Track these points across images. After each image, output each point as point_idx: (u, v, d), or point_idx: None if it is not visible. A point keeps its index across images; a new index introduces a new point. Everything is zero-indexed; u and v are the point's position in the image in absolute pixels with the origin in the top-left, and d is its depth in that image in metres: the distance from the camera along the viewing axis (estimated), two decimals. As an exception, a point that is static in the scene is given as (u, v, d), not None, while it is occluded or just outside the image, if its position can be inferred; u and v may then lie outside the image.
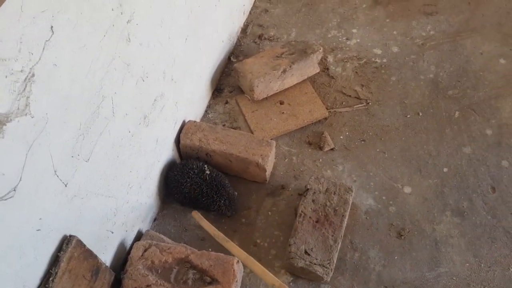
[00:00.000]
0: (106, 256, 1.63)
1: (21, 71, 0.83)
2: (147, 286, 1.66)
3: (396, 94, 2.39)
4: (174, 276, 1.69)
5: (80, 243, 1.35)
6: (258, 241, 1.97)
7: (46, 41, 0.91)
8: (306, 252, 1.78)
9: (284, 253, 1.90)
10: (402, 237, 1.93)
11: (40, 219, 1.09)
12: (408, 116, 2.29)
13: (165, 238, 1.90)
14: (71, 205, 1.26)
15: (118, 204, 1.61)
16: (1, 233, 0.89)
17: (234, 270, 1.67)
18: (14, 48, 0.79)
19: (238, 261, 1.71)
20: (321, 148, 2.24)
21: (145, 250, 1.73)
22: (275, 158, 2.21)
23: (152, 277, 1.67)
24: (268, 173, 2.07)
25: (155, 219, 2.06)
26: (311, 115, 2.30)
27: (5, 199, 0.91)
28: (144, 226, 1.93)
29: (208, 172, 1.95)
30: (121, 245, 1.74)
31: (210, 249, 1.94)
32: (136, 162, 1.67)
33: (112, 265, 1.71)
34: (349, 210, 1.90)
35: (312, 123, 2.31)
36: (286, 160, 2.22)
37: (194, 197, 1.95)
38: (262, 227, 2.01)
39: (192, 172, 1.93)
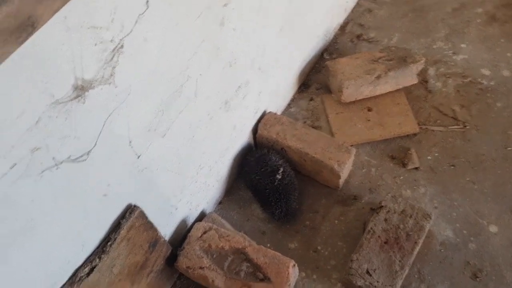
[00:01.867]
0: (166, 230, 1.67)
1: (111, 41, 0.84)
2: (200, 267, 1.67)
3: (499, 122, 2.16)
4: (227, 264, 1.69)
5: (142, 214, 1.39)
6: (319, 247, 1.91)
7: (140, 14, 0.92)
8: (368, 272, 1.69)
9: (344, 267, 1.82)
10: (478, 279, 1.75)
11: (109, 185, 1.13)
12: (509, 149, 2.07)
13: (226, 223, 1.91)
14: (140, 177, 1.29)
15: (186, 182, 1.63)
16: (70, 193, 0.93)
17: (288, 273, 1.63)
18: (107, 17, 0.81)
19: (294, 265, 1.67)
20: (404, 165, 2.10)
21: (204, 232, 1.75)
22: (352, 166, 2.11)
23: (206, 260, 1.68)
24: (342, 180, 1.98)
25: (220, 202, 2.07)
26: (399, 128, 2.16)
27: (78, 161, 0.95)
28: (208, 208, 1.95)
29: (279, 177, 1.90)
30: (183, 222, 1.77)
31: (268, 245, 1.91)
32: (210, 145, 1.68)
33: (171, 239, 1.74)
34: (423, 238, 1.76)
35: (399, 137, 2.17)
36: (363, 170, 2.11)
37: (257, 189, 1.94)
38: (326, 234, 1.94)
39: (264, 169, 1.91)
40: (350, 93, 2.17)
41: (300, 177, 2.04)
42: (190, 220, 1.81)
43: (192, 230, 1.74)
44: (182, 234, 1.75)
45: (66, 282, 1.04)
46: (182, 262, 1.67)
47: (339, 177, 1.89)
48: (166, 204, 1.56)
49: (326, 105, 2.30)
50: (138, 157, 1.21)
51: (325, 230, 1.92)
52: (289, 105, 2.36)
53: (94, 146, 0.98)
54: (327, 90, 2.33)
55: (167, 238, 1.69)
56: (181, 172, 1.55)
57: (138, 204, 1.32)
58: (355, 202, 2.00)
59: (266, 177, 1.89)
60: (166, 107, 1.13)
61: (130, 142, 1.04)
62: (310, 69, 2.24)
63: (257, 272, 1.65)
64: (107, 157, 0.98)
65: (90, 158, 0.99)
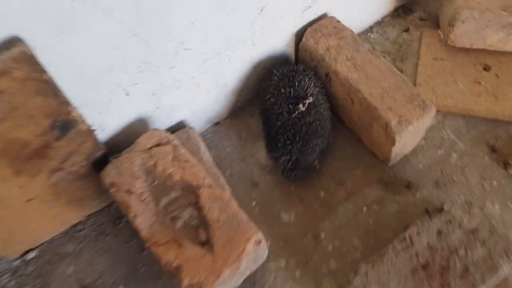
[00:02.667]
0: (103, 120, 1.17)
1: None
2: (128, 191, 1.13)
3: None
4: (167, 201, 1.12)
5: (30, 59, 0.84)
6: (323, 235, 1.27)
7: None
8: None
9: (344, 274, 1.18)
10: None
11: None
12: None
13: (203, 150, 1.32)
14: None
15: (153, 58, 1.08)
16: None
17: (243, 250, 1.02)
18: None
19: (260, 242, 1.05)
20: (506, 166, 1.35)
21: (157, 144, 1.18)
22: (424, 138, 1.39)
23: (140, 184, 1.13)
24: (397, 151, 1.29)
25: (216, 123, 1.48)
26: (522, 108, 1.38)
27: None
28: (194, 123, 1.40)
29: (302, 108, 1.29)
30: (139, 123, 1.23)
31: (253, 203, 1.31)
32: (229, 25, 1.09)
33: (113, 140, 1.21)
34: (491, 284, 1.04)
35: (515, 123, 1.40)
36: (438, 152, 1.40)
37: (268, 119, 1.31)
38: (342, 220, 1.31)
39: (286, 91, 1.31)
40: (465, 32, 1.43)
41: (338, 125, 1.39)
42: (151, 125, 1.25)
43: (142, 136, 1.17)
44: (131, 140, 1.19)
45: None
46: (109, 173, 1.14)
47: (392, 142, 1.21)
48: (102, 76, 1.02)
49: (424, 43, 1.57)
50: None
51: (343, 215, 1.30)
52: (370, 28, 1.66)
53: None
54: (434, 24, 1.61)
55: (104, 133, 1.17)
56: (140, 34, 0.98)
57: (34, 43, 0.79)
58: (406, 191, 1.32)
59: (284, 104, 1.26)
60: None
61: None
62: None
63: (201, 229, 1.05)
64: None
65: None
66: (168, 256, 1.05)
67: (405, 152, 1.40)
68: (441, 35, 1.57)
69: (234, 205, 1.11)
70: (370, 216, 1.32)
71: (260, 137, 1.48)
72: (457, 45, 1.51)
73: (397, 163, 1.40)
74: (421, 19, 1.69)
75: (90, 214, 1.38)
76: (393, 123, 1.23)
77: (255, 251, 1.08)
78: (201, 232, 1.08)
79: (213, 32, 1.19)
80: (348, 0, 1.50)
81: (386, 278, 1.08)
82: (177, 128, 1.38)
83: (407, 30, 1.66)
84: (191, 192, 1.14)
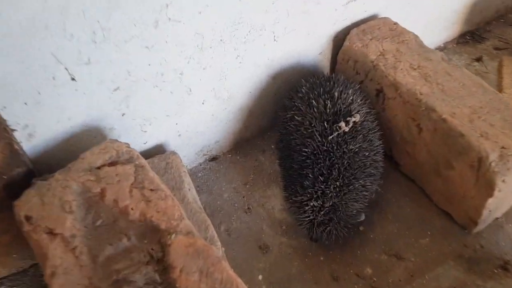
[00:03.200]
0: (34, 122, 0.77)
1: None
2: (49, 231, 0.68)
3: None
4: (109, 255, 0.69)
5: None
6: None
7: None
8: None
9: None
10: None
11: None
12: None
13: (187, 182, 0.88)
14: None
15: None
16: None
17: None
18: None
19: None
20: None
21: (111, 163, 0.75)
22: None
23: (71, 223, 0.69)
24: (490, 209, 0.85)
25: (214, 158, 1.06)
26: None
27: None
28: (180, 151, 0.98)
29: (355, 120, 0.87)
30: (90, 132, 0.84)
31: (260, 277, 0.87)
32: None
33: (45, 155, 0.79)
34: None
35: None
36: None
37: (292, 154, 0.90)
38: None
39: (318, 103, 0.91)
40: None
41: (390, 170, 0.99)
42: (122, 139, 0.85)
43: (91, 149, 0.75)
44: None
45: None
46: (26, 202, 0.70)
47: (490, 191, 0.79)
48: (29, 37, 0.65)
49: (506, 73, 1.18)
50: None
51: None
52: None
53: None
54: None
55: (32, 141, 0.83)
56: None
57: None
58: (502, 275, 0.86)
59: (317, 122, 0.87)
60: None
61: None
62: (491, 14, 1.16)
63: None
64: None
65: None
66: None
67: (498, 213, 0.94)
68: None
69: (227, 268, 0.65)
70: (449, 311, 0.84)
71: (275, 181, 1.06)
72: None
73: (485, 230, 0.95)
74: (497, 48, 1.33)
75: (3, 277, 0.92)
76: (492, 157, 0.80)
77: None
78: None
79: (215, 2, 0.82)
80: (407, 1, 1.13)
81: None
82: (154, 153, 0.95)
83: (479, 60, 1.29)
84: (154, 241, 0.68)
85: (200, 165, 1.10)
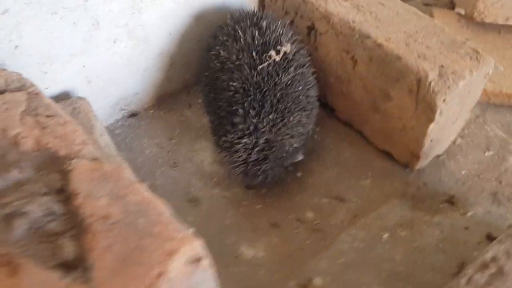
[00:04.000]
0: None
1: None
2: None
3: None
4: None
5: None
6: (318, 281, 0.72)
7: None
8: None
9: None
10: None
11: None
12: None
13: (98, 128, 0.76)
14: None
15: None
16: None
17: (161, 275, 0.42)
18: None
19: (198, 259, 0.46)
20: None
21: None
22: (460, 137, 0.94)
23: None
24: (432, 138, 0.81)
25: (133, 114, 0.94)
26: None
27: None
28: (93, 104, 0.84)
29: (286, 49, 0.79)
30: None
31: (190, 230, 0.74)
32: None
33: None
34: None
35: None
36: (487, 154, 0.93)
37: (219, 94, 0.82)
38: (348, 256, 0.83)
39: (245, 35, 0.85)
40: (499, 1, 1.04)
41: (324, 118, 0.93)
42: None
43: None
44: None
45: None
46: None
47: (430, 115, 0.74)
48: None
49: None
50: None
51: (349, 248, 0.81)
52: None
53: None
54: (444, 6, 1.23)
55: None
56: None
57: None
58: (449, 209, 0.81)
59: (245, 54, 0.79)
60: None
61: None
62: None
63: (66, 237, 0.45)
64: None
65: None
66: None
67: (439, 149, 0.91)
68: (461, 12, 1.18)
69: (143, 190, 0.54)
70: (395, 249, 0.78)
71: (204, 135, 0.97)
72: (486, 20, 1.12)
73: (427, 168, 0.90)
74: (426, 4, 1.31)
75: None
76: (432, 76, 0.76)
77: (190, 276, 0.49)
78: (65, 244, 0.49)
79: None
80: None
81: None
82: (58, 100, 0.82)
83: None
84: (53, 170, 0.56)
85: (118, 121, 0.98)
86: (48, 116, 0.61)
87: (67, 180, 0.55)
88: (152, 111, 1.01)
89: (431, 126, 0.79)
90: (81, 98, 0.83)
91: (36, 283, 0.46)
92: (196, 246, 0.50)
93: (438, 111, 0.77)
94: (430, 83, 0.76)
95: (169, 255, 0.48)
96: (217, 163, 0.92)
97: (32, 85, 0.66)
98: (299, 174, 0.90)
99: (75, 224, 0.52)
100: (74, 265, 0.49)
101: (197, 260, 0.50)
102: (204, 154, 0.94)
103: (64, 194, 0.55)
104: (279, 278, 0.75)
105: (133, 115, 1.00)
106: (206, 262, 0.51)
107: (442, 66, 0.77)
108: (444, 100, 0.76)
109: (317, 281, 0.75)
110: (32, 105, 0.63)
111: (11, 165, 0.58)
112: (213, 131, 0.88)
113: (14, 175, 0.57)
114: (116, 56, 0.88)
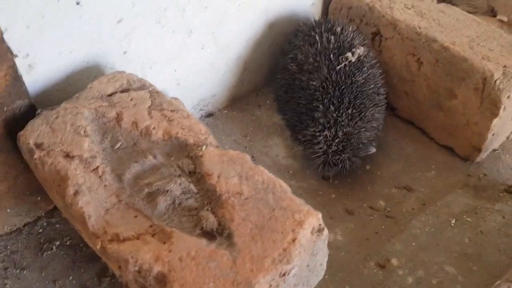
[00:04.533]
0: (37, 51, 0.74)
1: None
2: (66, 155, 0.63)
3: None
4: (135, 173, 0.63)
5: None
6: (395, 262, 0.80)
7: None
8: None
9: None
10: None
11: None
12: None
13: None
14: None
15: None
16: None
17: (295, 240, 0.52)
18: None
19: (321, 229, 0.56)
20: None
21: (124, 90, 0.71)
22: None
23: (89, 146, 0.64)
24: (495, 132, 0.89)
25: (210, 114, 1.05)
26: None
27: None
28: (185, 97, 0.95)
29: (360, 52, 0.89)
30: (90, 69, 0.79)
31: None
32: None
33: (46, 92, 0.74)
34: None
35: None
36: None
37: (296, 95, 0.91)
38: (421, 239, 0.90)
39: (322, 39, 0.94)
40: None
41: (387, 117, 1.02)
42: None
43: (100, 78, 0.72)
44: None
45: None
46: (34, 130, 0.64)
47: (495, 110, 0.82)
48: None
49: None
50: None
51: (421, 232, 0.88)
52: None
53: None
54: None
55: (33, 74, 0.75)
56: None
57: None
58: (507, 196, 0.87)
59: (321, 57, 0.87)
60: None
61: None
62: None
63: (205, 211, 0.55)
64: None
65: None
66: (141, 257, 0.54)
67: (496, 144, 0.99)
68: (503, 19, 1.27)
69: (266, 171, 0.63)
70: (463, 233, 0.86)
71: (275, 132, 1.06)
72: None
73: (485, 161, 0.99)
74: (467, 12, 1.39)
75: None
76: (497, 75, 0.84)
77: (314, 243, 0.58)
78: (205, 216, 0.59)
79: None
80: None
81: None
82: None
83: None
84: (182, 157, 0.66)
85: (197, 121, 1.08)
86: (172, 110, 0.71)
87: (198, 163, 0.64)
88: (226, 111, 1.11)
89: (495, 120, 0.87)
90: (175, 98, 0.92)
91: (187, 248, 0.56)
92: (319, 218, 0.59)
93: (502, 107, 0.85)
94: (495, 81, 0.85)
95: (300, 224, 0.57)
96: (291, 157, 1.01)
97: (151, 84, 0.76)
98: (368, 167, 0.99)
99: (210, 200, 0.61)
100: (218, 233, 0.58)
101: (320, 230, 0.59)
102: (278, 149, 1.03)
103: (196, 176, 0.65)
104: (359, 258, 0.84)
105: (210, 115, 1.10)
106: (326, 232, 0.60)
107: (505, 66, 0.86)
108: (508, 97, 0.85)
109: (394, 261, 0.83)
110: (156, 101, 0.73)
111: (146, 152, 0.68)
112: (290, 127, 0.97)
113: (150, 160, 0.66)
114: (202, 61, 0.98)
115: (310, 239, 0.58)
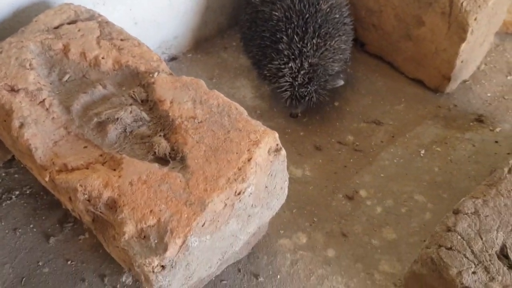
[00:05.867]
0: None
1: None
2: (10, 89, 0.59)
3: None
4: (84, 103, 0.60)
5: None
6: (363, 193, 0.80)
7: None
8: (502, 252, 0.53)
9: (413, 246, 0.69)
10: None
11: None
12: None
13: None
14: None
15: None
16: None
17: (251, 159, 0.50)
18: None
19: (278, 149, 0.54)
20: None
21: (71, 22, 0.67)
22: (483, 64, 1.00)
23: (34, 79, 0.60)
24: (463, 59, 0.87)
25: (173, 58, 1.00)
26: None
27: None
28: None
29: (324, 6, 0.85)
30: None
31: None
32: None
33: None
34: None
35: None
36: (509, 78, 0.99)
37: (259, 28, 0.89)
38: (389, 171, 0.90)
39: None
40: None
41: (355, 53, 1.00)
42: None
43: (45, 12, 0.67)
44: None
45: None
46: None
47: (462, 35, 0.81)
48: None
49: None
50: None
51: (390, 163, 0.90)
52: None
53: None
54: None
55: None
56: None
57: None
58: (479, 127, 0.89)
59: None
60: None
61: None
62: None
63: (157, 137, 0.52)
64: None
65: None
66: (90, 184, 0.51)
67: (466, 75, 0.97)
68: None
69: (221, 95, 0.61)
70: (432, 162, 0.85)
71: (242, 74, 1.03)
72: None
73: (455, 92, 0.97)
74: None
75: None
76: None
77: (271, 163, 0.56)
78: (157, 141, 0.56)
79: None
80: None
81: (498, 210, 0.59)
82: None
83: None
84: (134, 85, 0.63)
85: (159, 65, 1.04)
86: (122, 39, 0.68)
87: (151, 91, 0.61)
88: (190, 55, 1.08)
89: (463, 45, 0.86)
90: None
91: (138, 172, 0.53)
92: (276, 138, 0.57)
93: (469, 30, 0.83)
94: (462, 3, 0.82)
95: (255, 144, 0.55)
96: (258, 97, 0.99)
97: (100, 15, 0.73)
98: (336, 103, 0.97)
99: (164, 127, 0.59)
100: (171, 157, 0.56)
101: (277, 150, 0.57)
102: (245, 90, 1.00)
103: (148, 104, 0.62)
104: (327, 192, 0.83)
105: (173, 58, 1.06)
106: (284, 152, 0.58)
107: (471, -13, 0.84)
108: (475, 19, 0.83)
109: (363, 192, 0.83)
110: (105, 31, 0.69)
111: (95, 83, 0.64)
112: (255, 64, 0.95)
113: (99, 90, 0.63)
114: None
115: (267, 159, 0.56)
